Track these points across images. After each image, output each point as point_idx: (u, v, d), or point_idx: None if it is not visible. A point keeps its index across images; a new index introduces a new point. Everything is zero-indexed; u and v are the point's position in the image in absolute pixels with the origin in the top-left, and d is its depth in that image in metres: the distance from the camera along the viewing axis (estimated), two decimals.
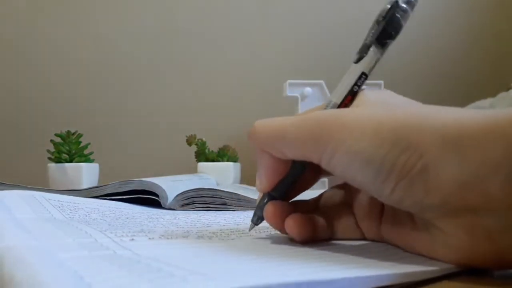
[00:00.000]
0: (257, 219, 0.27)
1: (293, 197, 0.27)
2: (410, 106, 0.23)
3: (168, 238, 0.25)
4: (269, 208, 0.25)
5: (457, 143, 0.18)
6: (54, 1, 0.88)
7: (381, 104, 0.23)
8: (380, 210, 0.25)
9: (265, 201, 0.26)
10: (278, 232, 0.29)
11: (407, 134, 0.19)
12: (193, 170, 0.68)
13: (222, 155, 0.69)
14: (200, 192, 0.46)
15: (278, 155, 0.24)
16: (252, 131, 0.24)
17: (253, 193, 0.49)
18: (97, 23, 0.89)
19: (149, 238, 0.24)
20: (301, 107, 0.70)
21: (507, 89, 0.70)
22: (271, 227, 0.26)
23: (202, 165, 0.68)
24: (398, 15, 0.24)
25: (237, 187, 0.58)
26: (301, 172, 0.25)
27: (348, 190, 0.27)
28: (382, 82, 0.71)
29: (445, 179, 0.18)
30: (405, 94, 0.27)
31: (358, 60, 0.24)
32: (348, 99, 0.24)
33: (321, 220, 0.26)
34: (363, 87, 0.25)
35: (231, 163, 0.67)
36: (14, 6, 0.88)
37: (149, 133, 0.90)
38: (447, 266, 0.20)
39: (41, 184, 0.58)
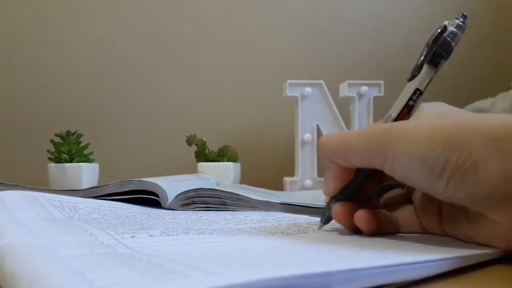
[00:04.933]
0: (325, 219, 0.29)
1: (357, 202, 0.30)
2: (461, 113, 0.26)
3: (168, 235, 0.25)
4: (337, 207, 0.28)
5: (502, 141, 0.21)
6: (54, 2, 0.89)
7: (439, 115, 0.26)
8: (438, 208, 0.27)
9: (332, 203, 0.29)
10: (281, 231, 0.29)
11: (457, 136, 0.22)
12: (193, 170, 0.68)
13: (222, 155, 0.69)
14: (200, 192, 0.46)
15: (343, 164, 0.27)
16: (321, 143, 0.28)
17: (253, 193, 0.49)
18: (97, 23, 0.89)
19: (150, 235, 0.24)
20: (301, 107, 0.70)
21: (507, 89, 0.70)
22: (338, 223, 0.29)
23: (202, 165, 0.68)
24: (448, 38, 0.27)
25: (237, 187, 0.58)
26: (365, 178, 0.28)
27: (407, 190, 0.30)
28: (382, 82, 0.71)
29: (492, 173, 0.21)
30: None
31: (411, 78, 0.28)
32: (405, 112, 0.28)
33: (386, 215, 0.29)
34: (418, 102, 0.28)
35: (231, 163, 0.67)
36: (14, 7, 0.88)
37: (149, 133, 0.90)
38: (498, 250, 0.23)
39: (41, 184, 0.58)
